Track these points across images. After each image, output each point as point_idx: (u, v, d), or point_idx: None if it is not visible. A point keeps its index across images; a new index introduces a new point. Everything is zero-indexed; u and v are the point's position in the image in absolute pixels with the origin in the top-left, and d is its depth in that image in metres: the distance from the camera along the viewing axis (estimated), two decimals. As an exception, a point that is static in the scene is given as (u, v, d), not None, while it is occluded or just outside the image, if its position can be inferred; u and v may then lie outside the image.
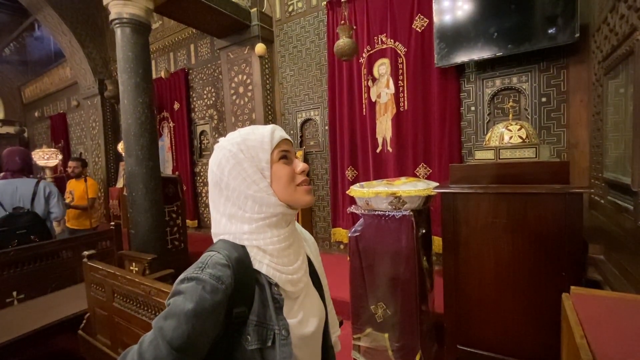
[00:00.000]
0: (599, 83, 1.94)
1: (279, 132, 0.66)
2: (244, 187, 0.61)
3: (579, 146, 2.50)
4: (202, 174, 5.21)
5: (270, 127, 0.66)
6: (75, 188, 3.48)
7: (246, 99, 4.19)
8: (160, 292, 1.40)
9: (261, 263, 0.61)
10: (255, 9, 3.91)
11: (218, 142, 0.67)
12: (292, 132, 4.11)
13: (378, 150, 3.42)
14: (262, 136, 0.64)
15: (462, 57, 2.73)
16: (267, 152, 0.63)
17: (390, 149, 3.33)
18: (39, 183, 2.51)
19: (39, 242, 2.35)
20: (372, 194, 1.89)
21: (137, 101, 2.89)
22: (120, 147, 5.46)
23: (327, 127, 3.80)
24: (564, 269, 1.50)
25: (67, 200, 3.51)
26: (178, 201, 3.69)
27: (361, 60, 3.42)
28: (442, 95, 3.00)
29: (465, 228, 1.72)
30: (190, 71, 5.19)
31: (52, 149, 5.17)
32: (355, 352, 2.08)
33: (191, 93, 5.23)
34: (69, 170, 3.63)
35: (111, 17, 2.87)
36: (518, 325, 1.62)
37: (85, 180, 3.41)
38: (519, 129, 1.77)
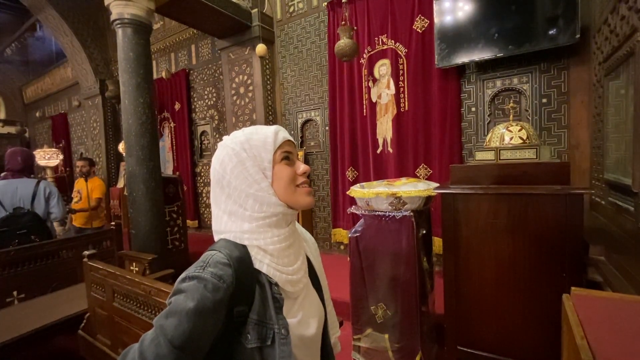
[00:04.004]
0: (600, 84, 1.94)
1: (283, 133, 0.66)
2: (245, 185, 0.62)
3: (579, 147, 2.49)
4: (202, 174, 5.21)
5: (274, 127, 0.66)
6: (83, 187, 3.50)
7: (247, 100, 4.20)
8: (160, 292, 1.40)
9: (262, 262, 0.61)
10: (256, 9, 3.91)
11: (222, 140, 0.67)
12: (292, 132, 4.11)
13: (378, 151, 3.43)
14: (265, 136, 0.64)
15: (462, 58, 2.73)
16: (269, 153, 0.63)
17: (390, 150, 3.33)
18: (39, 183, 2.51)
19: (39, 242, 2.35)
20: (372, 194, 1.89)
21: (138, 101, 2.90)
22: (121, 147, 5.46)
23: (327, 128, 3.80)
24: (565, 269, 1.49)
25: (75, 199, 3.53)
26: (178, 201, 3.69)
27: (362, 60, 3.42)
28: (442, 96, 3.00)
29: (465, 229, 1.72)
30: (191, 71, 5.20)
31: (53, 149, 5.19)
32: (355, 352, 2.07)
33: (192, 93, 5.24)
34: (77, 169, 3.66)
35: (112, 17, 2.88)
36: (518, 326, 1.62)
37: (86, 180, 3.42)
38: (520, 130, 1.77)
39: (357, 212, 2.04)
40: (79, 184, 3.57)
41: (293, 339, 0.61)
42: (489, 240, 1.66)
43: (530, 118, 2.68)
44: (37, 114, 8.87)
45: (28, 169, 2.59)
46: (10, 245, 2.21)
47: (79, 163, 3.60)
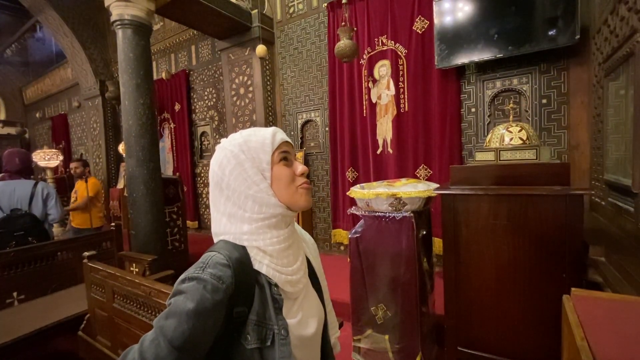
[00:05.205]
0: (600, 85, 1.94)
1: (280, 135, 0.67)
2: (244, 187, 0.62)
3: (579, 148, 2.49)
4: (202, 175, 5.21)
5: (271, 129, 0.67)
6: (79, 188, 3.52)
7: (247, 100, 4.20)
8: (160, 293, 1.40)
9: (261, 263, 0.61)
10: (256, 10, 3.92)
11: (220, 142, 0.67)
12: (292, 133, 4.11)
13: (378, 152, 3.43)
14: (263, 138, 0.64)
15: (462, 59, 2.73)
16: (268, 154, 0.63)
17: (390, 150, 3.33)
18: (37, 185, 2.50)
19: (37, 243, 2.35)
20: (372, 195, 1.89)
21: (138, 102, 2.90)
22: (121, 148, 5.46)
23: (327, 129, 3.80)
24: (565, 270, 1.49)
25: (72, 200, 3.54)
26: (178, 202, 3.69)
27: (362, 61, 3.43)
28: (442, 96, 3.00)
29: (465, 229, 1.72)
30: (191, 72, 5.21)
31: (53, 150, 5.19)
32: (356, 353, 2.07)
33: (192, 94, 5.24)
34: (71, 171, 3.66)
35: (113, 18, 2.88)
36: (518, 327, 1.62)
37: (86, 181, 3.43)
38: (520, 131, 1.77)
39: (357, 213, 2.04)
40: (78, 184, 3.58)
41: (293, 339, 0.61)
42: (489, 241, 1.66)
43: (530, 119, 2.68)
44: (37, 115, 8.88)
45: (26, 170, 2.58)
46: (7, 247, 2.20)
47: (73, 165, 3.61)
